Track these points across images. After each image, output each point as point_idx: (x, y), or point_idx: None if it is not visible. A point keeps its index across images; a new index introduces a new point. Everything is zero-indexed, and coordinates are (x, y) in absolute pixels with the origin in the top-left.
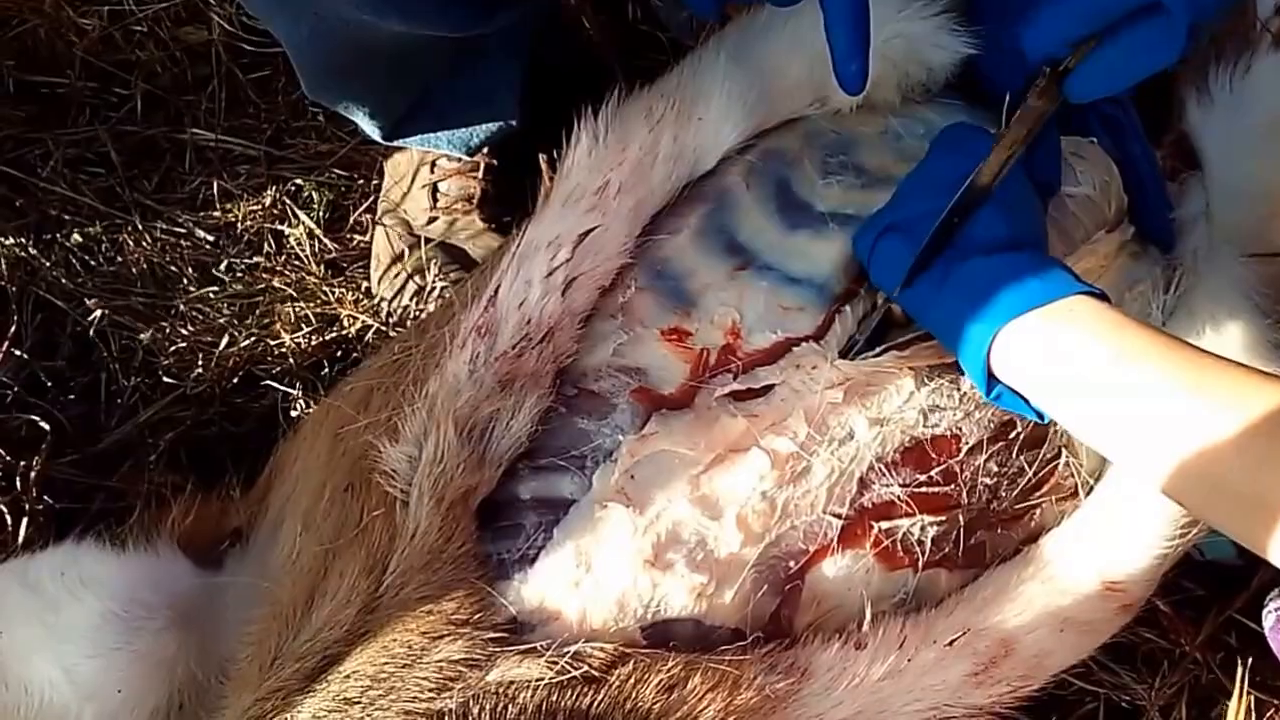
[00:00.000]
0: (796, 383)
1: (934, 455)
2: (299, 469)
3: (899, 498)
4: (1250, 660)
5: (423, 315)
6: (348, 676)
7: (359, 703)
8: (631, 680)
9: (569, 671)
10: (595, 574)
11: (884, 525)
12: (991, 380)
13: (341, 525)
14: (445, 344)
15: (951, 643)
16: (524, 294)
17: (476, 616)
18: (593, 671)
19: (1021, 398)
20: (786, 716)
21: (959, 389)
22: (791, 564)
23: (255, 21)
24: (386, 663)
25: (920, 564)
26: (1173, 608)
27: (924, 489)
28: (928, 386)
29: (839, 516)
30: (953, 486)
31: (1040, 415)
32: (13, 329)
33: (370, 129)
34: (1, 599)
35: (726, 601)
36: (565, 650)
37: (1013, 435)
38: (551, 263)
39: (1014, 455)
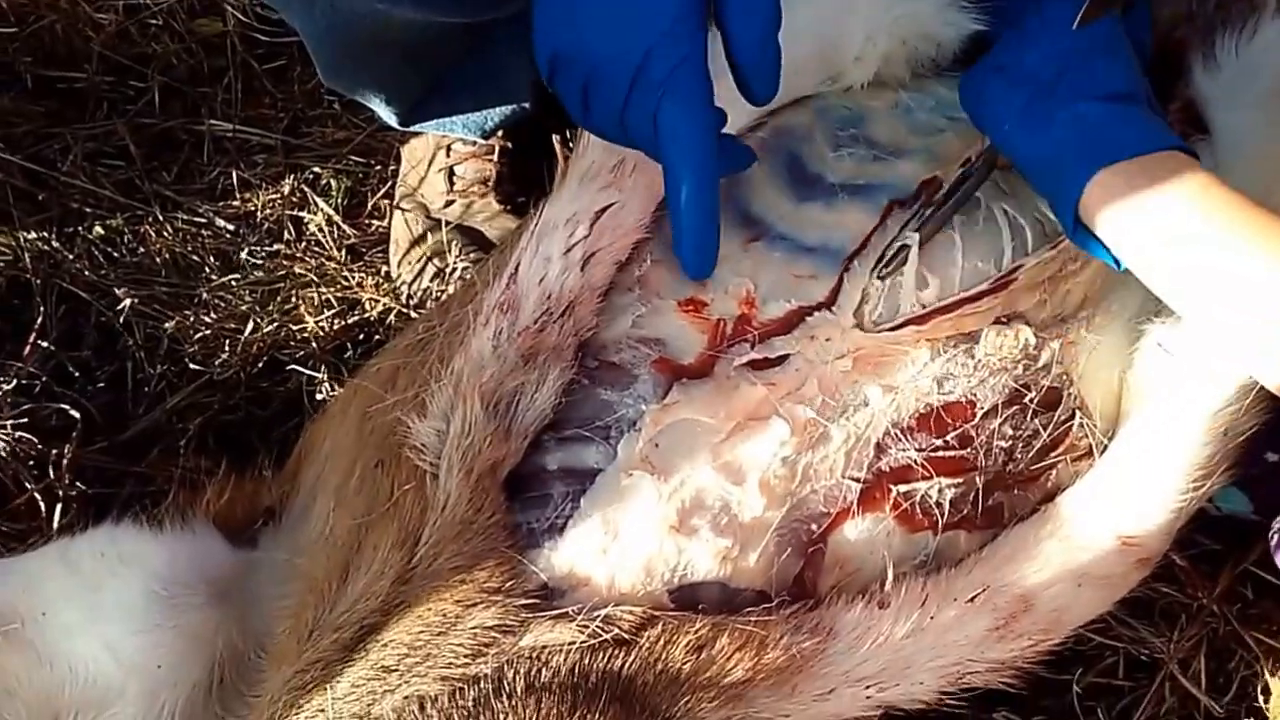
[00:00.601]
0: (811, 353)
1: (949, 420)
2: (329, 448)
3: (916, 462)
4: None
5: (444, 296)
6: (385, 645)
7: (396, 670)
8: (661, 642)
9: (600, 635)
10: (622, 540)
11: (902, 488)
12: (1077, 223)
13: (373, 500)
14: (469, 321)
15: (972, 599)
16: (544, 270)
17: (508, 584)
18: (623, 634)
19: (1101, 244)
20: (813, 675)
21: (973, 357)
22: (813, 527)
23: (270, 12)
24: (422, 631)
25: (940, 526)
26: (1189, 562)
27: (940, 453)
28: (942, 356)
29: (858, 480)
30: (969, 450)
31: (1117, 263)
32: (39, 321)
33: (386, 115)
34: (44, 580)
35: (751, 564)
36: (596, 614)
37: (1027, 399)
38: (570, 239)
39: (1028, 418)
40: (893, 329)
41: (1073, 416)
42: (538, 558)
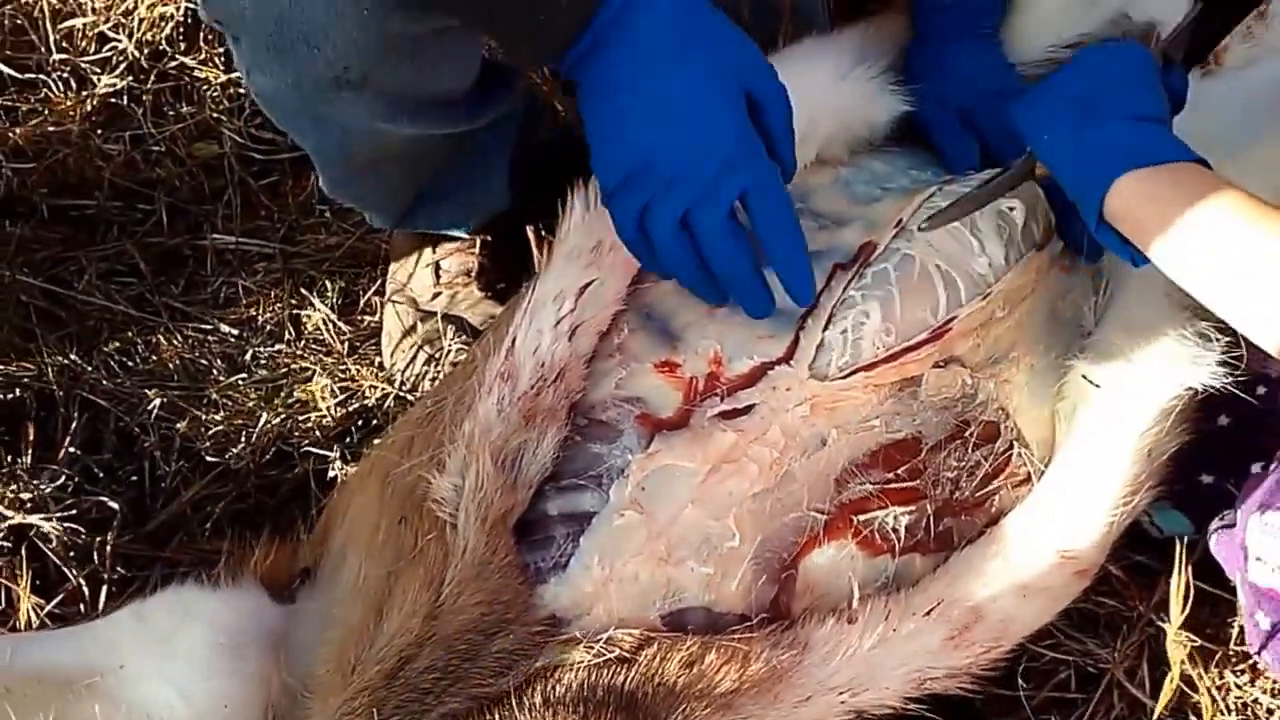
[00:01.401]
0: (774, 402)
1: (899, 456)
2: (354, 512)
3: (872, 493)
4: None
5: (438, 379)
6: (422, 672)
7: (433, 692)
8: (657, 659)
9: (604, 654)
10: (618, 573)
11: (862, 517)
12: (1101, 222)
13: (399, 552)
14: (475, 390)
15: (929, 613)
16: (537, 341)
17: (522, 615)
18: (624, 653)
19: (1120, 240)
20: (792, 684)
21: (917, 398)
22: (785, 555)
23: (262, 131)
24: (452, 658)
25: (897, 550)
26: (1126, 573)
27: (893, 485)
28: (890, 399)
29: (821, 512)
30: (919, 481)
31: (1134, 260)
32: (73, 427)
33: (382, 218)
34: (121, 637)
35: (732, 590)
36: (599, 637)
37: (968, 433)
38: (558, 313)
39: (970, 451)
40: (843, 378)
41: (1011, 447)
42: (545, 592)
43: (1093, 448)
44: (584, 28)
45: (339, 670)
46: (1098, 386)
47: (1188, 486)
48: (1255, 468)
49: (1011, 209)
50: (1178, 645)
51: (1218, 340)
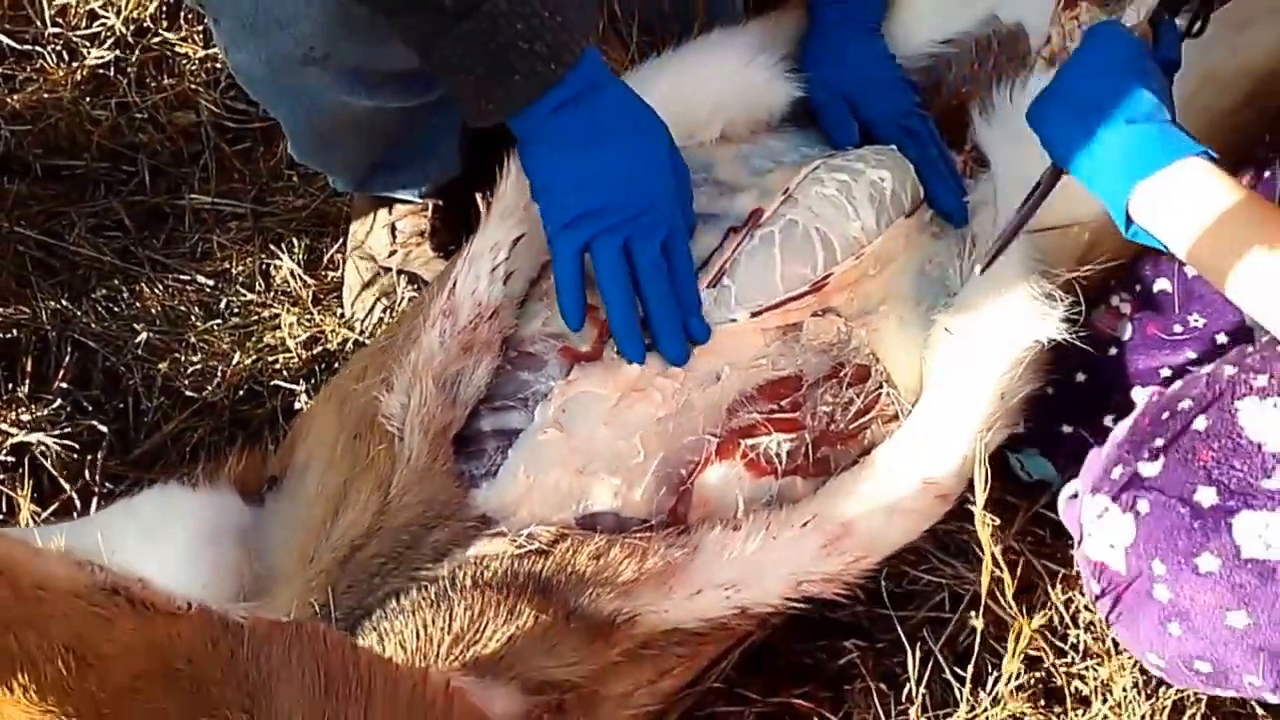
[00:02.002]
0: None
1: (783, 390)
2: (315, 430)
3: (759, 421)
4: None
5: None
6: (371, 558)
7: (379, 575)
8: (570, 552)
9: (525, 547)
10: (539, 481)
11: (749, 442)
12: (1129, 221)
13: (354, 462)
14: (421, 325)
15: (805, 524)
16: (475, 284)
17: (458, 513)
18: (542, 546)
19: (1150, 235)
20: (683, 580)
21: (798, 342)
22: (683, 472)
23: (236, 102)
24: (396, 547)
25: (779, 472)
26: (990, 507)
27: (777, 415)
28: (776, 342)
29: (714, 436)
30: (799, 413)
31: (1166, 248)
32: (65, 363)
33: (344, 183)
34: (113, 528)
35: (636, 499)
36: (522, 532)
37: (842, 374)
38: (494, 261)
39: (844, 389)
40: (734, 321)
41: (880, 387)
42: (478, 495)
43: (952, 389)
44: (544, 93)
45: (300, 560)
46: (955, 337)
47: (1049, 435)
48: (1108, 420)
49: (883, 179)
50: (984, 526)
51: (1062, 300)
